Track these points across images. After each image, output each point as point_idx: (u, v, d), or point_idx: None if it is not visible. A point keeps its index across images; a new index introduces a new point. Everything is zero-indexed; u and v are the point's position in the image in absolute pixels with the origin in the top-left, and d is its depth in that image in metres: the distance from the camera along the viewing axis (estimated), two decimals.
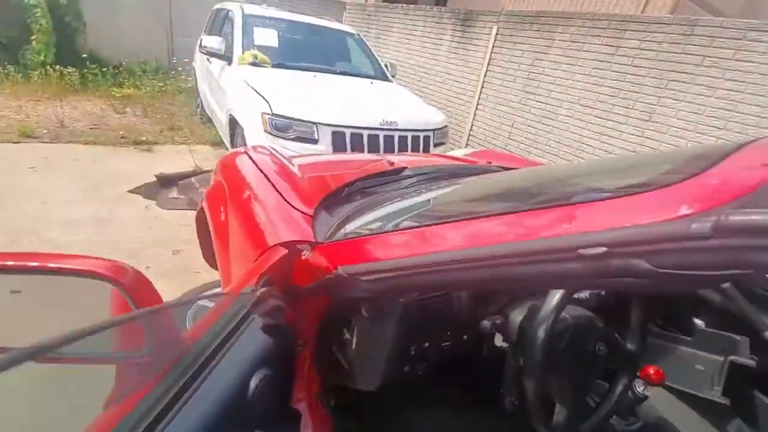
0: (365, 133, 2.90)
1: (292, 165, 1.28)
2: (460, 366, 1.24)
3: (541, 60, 4.05)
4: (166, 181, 3.39)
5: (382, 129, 2.96)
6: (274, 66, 3.50)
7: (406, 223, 0.68)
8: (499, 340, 0.87)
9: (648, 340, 1.50)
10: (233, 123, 3.25)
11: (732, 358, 1.25)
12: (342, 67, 3.98)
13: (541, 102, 4.07)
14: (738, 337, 1.35)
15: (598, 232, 0.40)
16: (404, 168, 1.33)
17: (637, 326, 0.90)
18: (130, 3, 6.23)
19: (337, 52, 4.23)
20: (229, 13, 4.02)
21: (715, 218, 0.34)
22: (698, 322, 1.49)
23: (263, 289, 0.62)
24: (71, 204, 2.82)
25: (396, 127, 3.02)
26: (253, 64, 3.43)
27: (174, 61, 6.40)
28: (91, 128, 4.33)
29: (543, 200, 0.49)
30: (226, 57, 3.56)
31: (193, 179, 3.52)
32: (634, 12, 5.62)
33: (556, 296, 0.70)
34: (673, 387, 1.27)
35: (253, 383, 0.47)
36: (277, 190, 1.04)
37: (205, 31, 4.81)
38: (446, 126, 3.49)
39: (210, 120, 4.45)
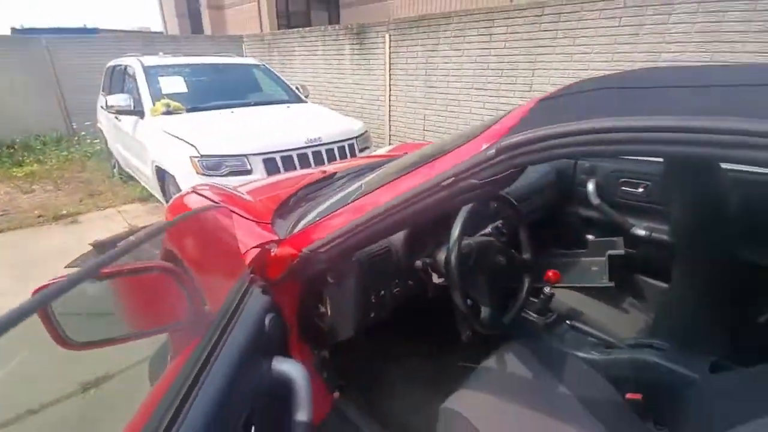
0: (294, 154, 3.11)
1: (240, 192, 1.48)
2: (417, 316, 1.52)
3: (434, 57, 4.54)
4: (103, 247, 3.32)
5: (309, 147, 3.19)
6: (189, 111, 3.58)
7: (344, 204, 0.93)
8: (436, 278, 1.16)
9: (556, 258, 1.90)
10: (161, 173, 3.29)
11: (609, 252, 1.67)
12: (256, 98, 4.14)
13: (442, 93, 4.56)
14: (615, 239, 1.79)
15: (448, 170, 0.69)
16: (335, 173, 1.59)
17: (525, 242, 1.22)
18: (7, 79, 5.84)
19: (248, 85, 4.38)
20: (128, 68, 4.01)
21: (497, 146, 0.64)
22: (589, 237, 1.92)
23: (252, 275, 0.84)
24: (6, 298, 2.70)
25: (321, 143, 3.26)
26: (167, 112, 3.48)
27: (74, 126, 6.09)
28: (1, 215, 4.06)
29: (419, 162, 0.78)
30: (137, 112, 3.57)
31: (132, 238, 3.47)
32: (505, 3, 6.41)
33: (456, 231, 1.00)
34: (577, 286, 1.66)
35: (266, 321, 0.69)
36: (234, 211, 1.24)
37: (103, 91, 4.71)
38: (366, 132, 3.80)
39: (132, 178, 4.37)
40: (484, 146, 0.66)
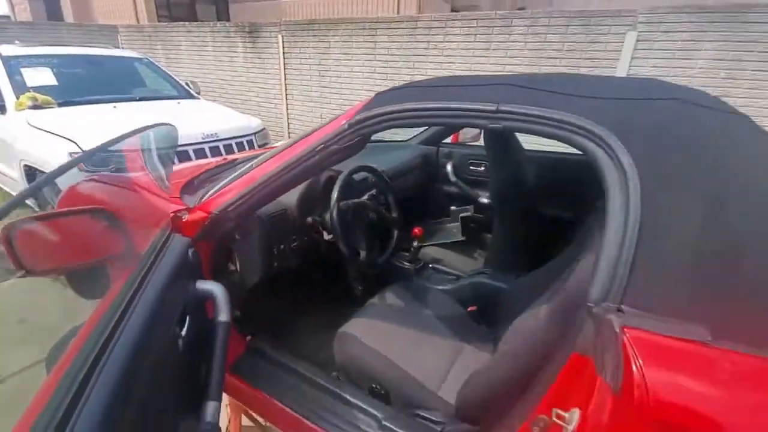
0: (190, 149, 3.13)
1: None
2: (319, 278, 1.82)
3: (326, 59, 4.86)
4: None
5: (206, 142, 3.23)
6: (62, 105, 3.31)
7: (245, 173, 1.19)
8: (326, 235, 1.47)
9: (429, 226, 2.36)
10: (31, 173, 3.02)
11: (461, 215, 2.17)
12: (141, 93, 3.97)
13: (336, 93, 4.91)
14: (468, 207, 2.31)
15: (320, 139, 1.01)
16: (236, 158, 1.81)
17: (393, 205, 1.62)
18: None
19: (130, 79, 4.15)
20: None
21: (349, 122, 0.98)
22: (452, 207, 2.43)
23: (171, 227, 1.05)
24: None
25: (218, 138, 3.33)
26: (35, 107, 3.18)
27: None
28: None
29: (299, 138, 1.09)
30: None
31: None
32: (391, 12, 7.01)
33: (334, 195, 1.33)
34: (440, 243, 2.13)
35: (189, 254, 0.92)
36: (144, 189, 1.39)
37: None
38: (264, 129, 3.94)
39: None
40: (343, 122, 1.00)
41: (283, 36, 5.07)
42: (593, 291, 0.68)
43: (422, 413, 1.16)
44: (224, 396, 1.57)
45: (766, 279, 0.63)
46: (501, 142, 1.62)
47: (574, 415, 0.67)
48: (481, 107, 0.82)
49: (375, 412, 1.14)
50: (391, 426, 1.11)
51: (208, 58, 6.02)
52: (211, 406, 0.81)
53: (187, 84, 4.45)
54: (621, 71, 3.37)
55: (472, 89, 0.94)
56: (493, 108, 0.80)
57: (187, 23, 6.20)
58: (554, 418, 0.72)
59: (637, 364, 0.58)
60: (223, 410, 1.61)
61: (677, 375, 0.57)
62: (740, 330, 0.60)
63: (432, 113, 0.89)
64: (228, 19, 9.55)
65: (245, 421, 1.68)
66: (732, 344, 0.58)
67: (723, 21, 3.03)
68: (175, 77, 4.46)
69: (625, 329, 0.60)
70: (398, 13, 7.13)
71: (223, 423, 1.60)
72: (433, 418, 1.15)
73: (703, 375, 0.57)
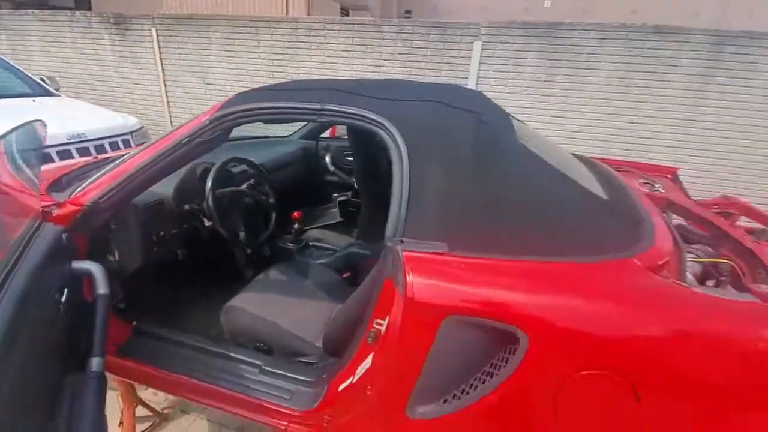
0: (53, 151, 2.89)
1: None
2: (210, 265, 1.95)
3: (207, 55, 4.77)
4: None
5: (72, 143, 3.01)
6: None
7: (117, 165, 1.30)
8: (206, 222, 1.63)
9: (313, 211, 2.61)
10: None
11: (338, 199, 2.48)
12: None
13: (221, 91, 4.85)
14: (347, 192, 2.61)
15: (185, 133, 1.19)
16: (108, 156, 1.84)
17: (270, 192, 1.84)
18: None
19: None
20: None
21: (210, 118, 1.18)
22: (335, 195, 2.70)
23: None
24: None
25: (86, 138, 3.11)
26: None
27: None
28: None
29: (168, 133, 1.25)
30: None
31: None
32: (279, 9, 7.01)
33: (209, 183, 1.51)
34: (322, 225, 2.40)
35: (63, 238, 1.03)
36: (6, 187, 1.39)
37: None
38: (143, 127, 3.75)
39: None
40: (205, 119, 1.19)
41: (157, 30, 4.81)
42: (387, 231, 1.01)
43: (300, 359, 1.42)
44: (115, 391, 1.63)
45: (487, 214, 1.02)
46: (358, 135, 1.94)
47: (386, 321, 1.00)
48: (311, 106, 1.10)
49: (256, 362, 1.36)
50: (271, 369, 1.34)
51: (68, 51, 5.38)
52: (95, 359, 0.95)
53: (42, 80, 3.98)
54: (473, 75, 4.03)
55: (307, 92, 1.22)
56: (319, 107, 1.09)
57: (36, 11, 5.43)
58: (375, 326, 1.04)
59: (409, 273, 0.92)
60: (115, 401, 1.66)
61: (426, 275, 0.92)
62: (469, 243, 0.98)
63: (278, 111, 1.14)
64: (89, 8, 8.50)
65: (142, 412, 1.75)
66: (460, 252, 0.95)
67: (542, 36, 3.84)
68: (26, 72, 3.96)
69: (404, 252, 0.94)
70: (287, 11, 7.17)
71: (115, 413, 1.66)
72: (308, 360, 1.41)
73: (438, 273, 0.93)
